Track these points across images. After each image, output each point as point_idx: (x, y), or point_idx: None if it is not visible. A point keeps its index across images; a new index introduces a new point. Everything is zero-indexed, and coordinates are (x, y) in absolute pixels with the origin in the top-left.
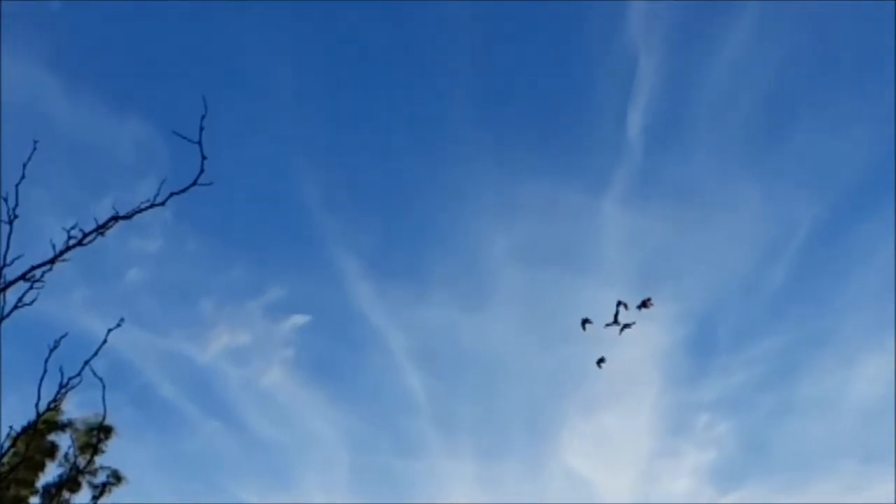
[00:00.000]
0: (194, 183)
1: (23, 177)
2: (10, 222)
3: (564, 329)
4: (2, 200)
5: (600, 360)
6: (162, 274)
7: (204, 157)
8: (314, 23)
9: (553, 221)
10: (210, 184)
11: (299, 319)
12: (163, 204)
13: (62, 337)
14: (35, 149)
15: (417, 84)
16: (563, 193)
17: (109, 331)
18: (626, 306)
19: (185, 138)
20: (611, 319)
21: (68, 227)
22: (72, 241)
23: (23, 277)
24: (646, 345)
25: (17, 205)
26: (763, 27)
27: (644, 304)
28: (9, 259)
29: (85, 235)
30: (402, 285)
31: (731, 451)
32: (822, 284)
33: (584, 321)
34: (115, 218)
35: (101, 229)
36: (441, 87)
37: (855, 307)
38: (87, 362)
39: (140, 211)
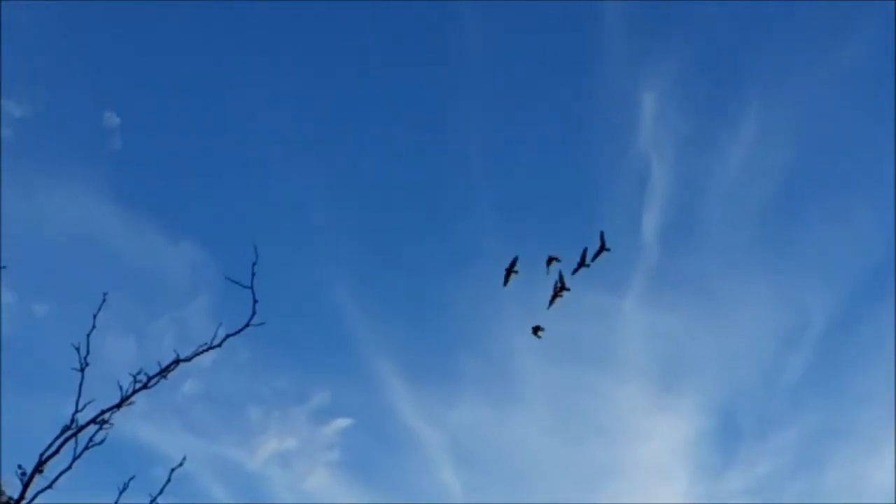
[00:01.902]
0: (247, 325)
1: (93, 327)
2: (82, 369)
3: (591, 424)
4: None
5: (537, 329)
6: (215, 384)
7: (255, 301)
8: (346, 157)
9: (576, 321)
10: (262, 323)
11: (342, 423)
12: (220, 345)
13: (130, 479)
14: (104, 300)
15: (441, 200)
16: (585, 294)
17: (173, 470)
18: (557, 260)
19: (237, 283)
20: None
21: (135, 373)
22: (137, 385)
23: (93, 421)
24: (670, 438)
25: (88, 353)
26: (766, 129)
27: (551, 260)
28: (80, 405)
29: (150, 379)
30: (435, 386)
31: None
32: (840, 372)
33: (536, 329)
34: (177, 361)
35: (163, 373)
36: (464, 200)
37: (872, 394)
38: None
39: (199, 353)
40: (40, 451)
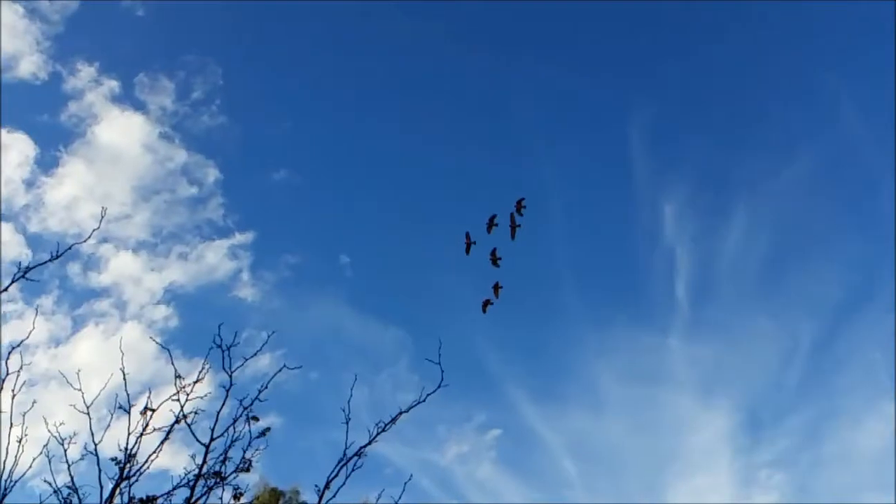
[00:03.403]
0: (437, 388)
1: (348, 419)
2: (347, 422)
3: (657, 424)
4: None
5: (496, 287)
6: (417, 412)
7: (442, 371)
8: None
9: (639, 354)
10: (447, 385)
11: (495, 432)
12: (423, 401)
13: (382, 491)
14: (356, 379)
15: (535, 278)
16: (642, 337)
17: (405, 483)
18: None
19: (431, 361)
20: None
21: (376, 423)
22: (378, 430)
23: (356, 454)
24: (713, 429)
25: (349, 410)
26: (754, 217)
27: (517, 208)
28: (347, 443)
29: (386, 425)
30: (551, 403)
31: (787, 494)
32: (827, 375)
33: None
34: (400, 413)
35: (393, 421)
36: (553, 275)
37: (854, 387)
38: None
39: (406, 411)
40: (327, 475)
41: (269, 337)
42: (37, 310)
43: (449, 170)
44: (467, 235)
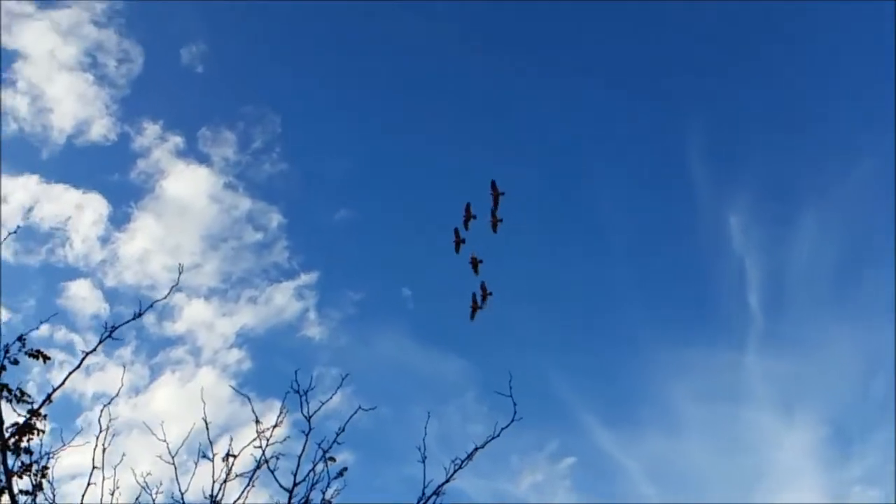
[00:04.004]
0: (512, 421)
1: (424, 457)
2: (423, 461)
3: (738, 443)
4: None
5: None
6: (490, 444)
7: (515, 405)
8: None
9: (714, 371)
10: (520, 418)
11: (569, 460)
12: (498, 435)
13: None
14: (429, 416)
15: (604, 296)
16: (716, 353)
17: None
18: (473, 216)
19: (502, 395)
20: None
21: (453, 460)
22: (455, 467)
23: (434, 493)
24: (798, 445)
25: (425, 448)
26: (822, 224)
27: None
28: (426, 481)
29: (462, 462)
30: (626, 427)
31: None
32: None
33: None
34: (476, 449)
35: (470, 457)
36: (619, 294)
37: None
38: None
39: (481, 447)
40: None
41: (343, 379)
42: (124, 367)
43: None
44: (456, 232)
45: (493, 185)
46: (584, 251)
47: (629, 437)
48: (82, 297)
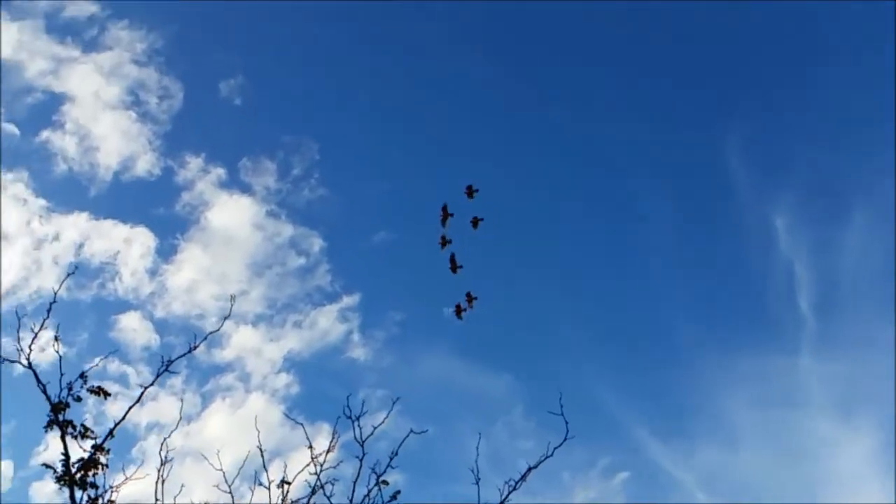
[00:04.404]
0: (563, 441)
1: (478, 479)
2: (477, 482)
3: (795, 451)
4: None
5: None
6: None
7: (566, 422)
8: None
9: (768, 378)
10: (573, 437)
11: (622, 475)
12: (551, 455)
13: None
14: (480, 437)
15: (650, 303)
16: (769, 359)
17: None
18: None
19: (554, 413)
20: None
21: (506, 481)
22: (509, 489)
23: None
24: (864, 450)
25: (478, 470)
26: (871, 222)
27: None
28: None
29: (517, 483)
30: (679, 439)
31: None
32: None
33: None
34: (529, 469)
35: (523, 478)
36: (668, 301)
37: None
38: None
39: (535, 467)
40: None
41: (393, 404)
42: (182, 402)
43: (541, 208)
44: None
45: (469, 189)
46: (625, 261)
47: (683, 449)
48: (133, 328)
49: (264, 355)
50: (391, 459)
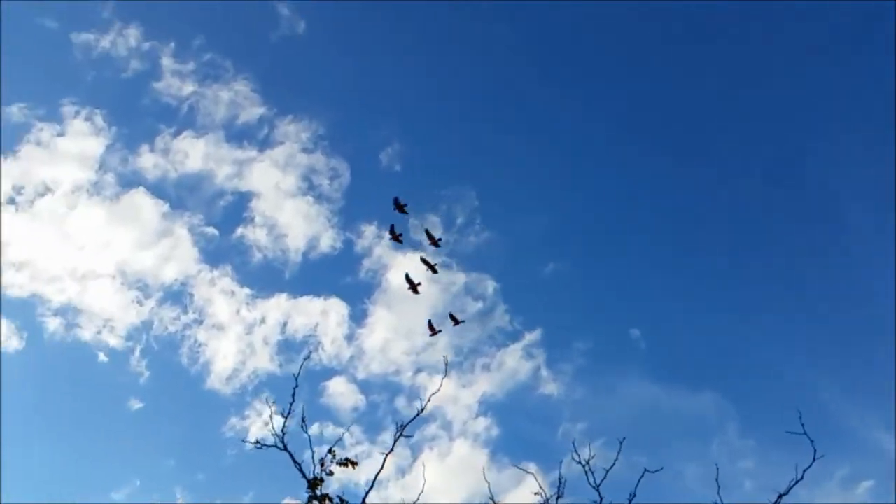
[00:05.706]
0: (813, 461)
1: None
2: None
3: None
4: None
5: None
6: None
7: (812, 441)
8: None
9: None
10: (822, 456)
11: (866, 484)
12: (801, 479)
13: None
14: (718, 484)
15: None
16: None
17: None
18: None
19: (794, 433)
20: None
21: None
22: None
23: None
24: None
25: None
26: None
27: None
28: None
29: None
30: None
31: None
32: None
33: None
34: (780, 496)
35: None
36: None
37: None
38: None
39: (785, 493)
40: None
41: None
42: (386, 456)
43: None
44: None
45: (396, 200)
46: (830, 261)
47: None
48: (340, 392)
49: (461, 401)
50: (630, 501)
